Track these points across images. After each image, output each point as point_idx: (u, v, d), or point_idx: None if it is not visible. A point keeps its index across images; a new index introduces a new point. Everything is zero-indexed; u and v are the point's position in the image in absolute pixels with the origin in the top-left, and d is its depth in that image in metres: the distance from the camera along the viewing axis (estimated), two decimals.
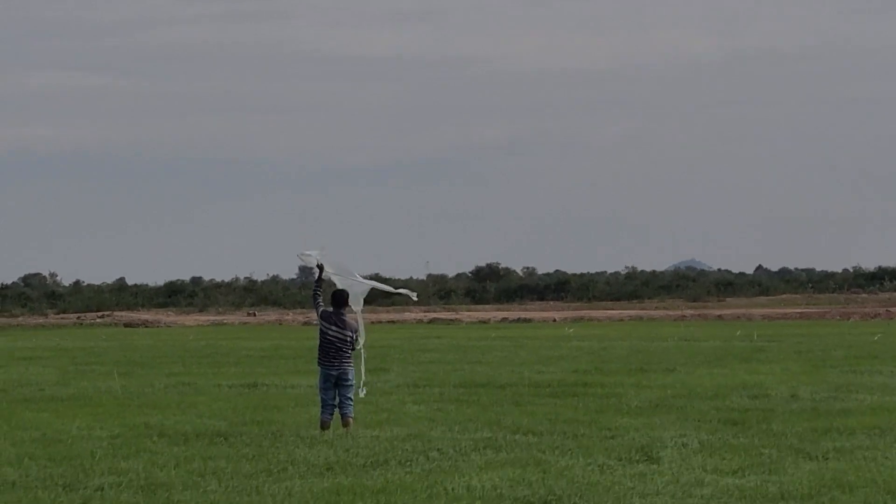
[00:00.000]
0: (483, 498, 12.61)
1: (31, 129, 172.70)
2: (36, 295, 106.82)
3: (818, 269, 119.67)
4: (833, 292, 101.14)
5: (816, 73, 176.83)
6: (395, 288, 19.46)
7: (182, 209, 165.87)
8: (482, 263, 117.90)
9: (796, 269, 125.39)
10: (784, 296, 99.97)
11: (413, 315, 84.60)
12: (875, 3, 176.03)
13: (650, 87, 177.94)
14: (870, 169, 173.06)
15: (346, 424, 17.39)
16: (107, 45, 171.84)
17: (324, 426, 17.44)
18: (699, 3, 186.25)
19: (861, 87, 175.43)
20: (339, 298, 17.51)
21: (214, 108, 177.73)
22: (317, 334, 17.72)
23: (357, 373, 17.68)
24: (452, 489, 13.01)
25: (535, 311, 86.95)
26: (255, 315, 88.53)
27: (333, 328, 17.38)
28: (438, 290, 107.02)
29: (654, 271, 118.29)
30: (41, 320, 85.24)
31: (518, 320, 76.81)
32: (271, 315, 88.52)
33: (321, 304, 17.59)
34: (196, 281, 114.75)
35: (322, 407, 17.52)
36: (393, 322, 77.44)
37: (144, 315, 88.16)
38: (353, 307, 17.80)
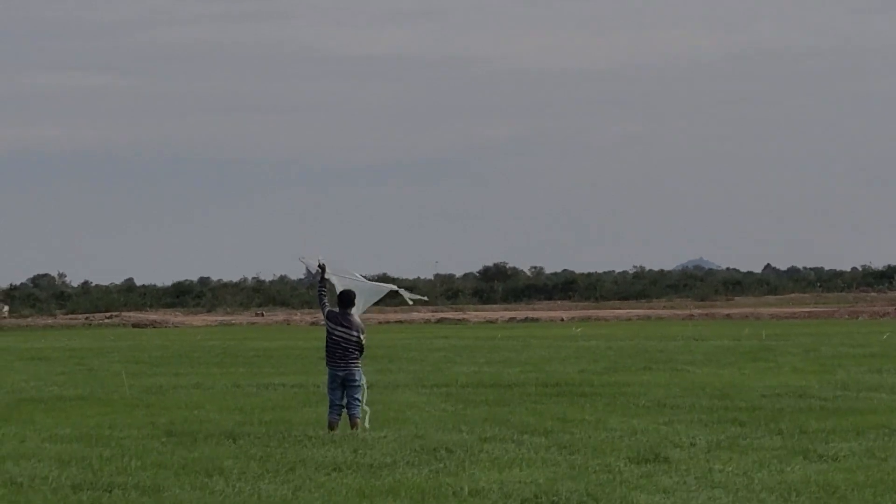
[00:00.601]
0: (491, 498, 12.60)
1: (40, 130, 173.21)
2: (45, 295, 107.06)
3: (827, 267, 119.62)
4: (841, 291, 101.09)
5: (823, 72, 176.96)
6: (399, 287, 19.22)
7: (190, 210, 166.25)
8: (490, 263, 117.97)
9: (805, 268, 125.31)
10: (792, 295, 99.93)
11: (421, 315, 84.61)
12: (878, 3, 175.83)
13: (657, 86, 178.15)
14: (878, 167, 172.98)
15: (353, 425, 17.39)
16: (113, 45, 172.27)
17: (331, 426, 17.44)
18: (700, 3, 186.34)
19: (868, 85, 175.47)
20: (346, 299, 17.50)
21: (221, 109, 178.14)
22: (324, 334, 17.71)
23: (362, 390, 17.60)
24: (460, 489, 13.00)
25: (542, 311, 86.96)
26: (262, 315, 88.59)
27: (339, 328, 17.38)
28: (446, 290, 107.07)
29: (661, 270, 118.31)
30: (50, 321, 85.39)
31: (525, 320, 76.79)
32: (279, 315, 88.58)
33: (327, 304, 17.58)
34: (204, 281, 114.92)
35: (329, 407, 17.51)
36: (401, 322, 77.41)
37: (153, 315, 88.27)
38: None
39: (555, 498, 12.51)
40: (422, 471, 14.19)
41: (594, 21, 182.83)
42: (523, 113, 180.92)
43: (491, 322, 75.18)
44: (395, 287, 18.89)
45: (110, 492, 13.25)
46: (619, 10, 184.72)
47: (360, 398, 17.48)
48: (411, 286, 18.39)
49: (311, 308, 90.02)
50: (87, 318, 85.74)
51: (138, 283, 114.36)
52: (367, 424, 17.55)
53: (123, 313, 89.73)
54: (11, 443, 17.23)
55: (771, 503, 12.33)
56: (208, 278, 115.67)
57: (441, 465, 14.56)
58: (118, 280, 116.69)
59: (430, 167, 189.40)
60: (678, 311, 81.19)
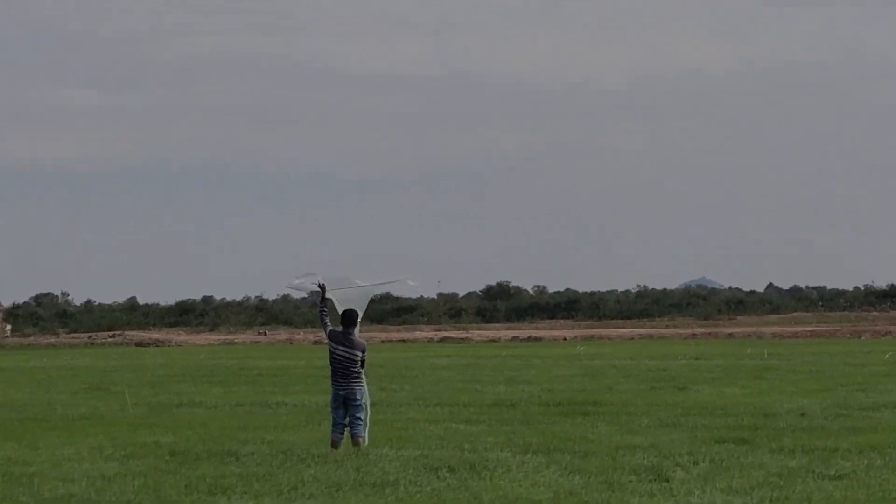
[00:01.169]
0: None
1: (42, 147, 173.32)
2: (48, 314, 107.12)
3: (829, 287, 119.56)
4: (844, 310, 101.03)
5: (828, 87, 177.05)
6: (392, 281, 18.99)
7: (193, 228, 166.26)
8: (493, 282, 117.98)
9: (807, 287, 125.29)
10: (795, 314, 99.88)
11: (424, 334, 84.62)
12: (887, 14, 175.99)
13: (660, 103, 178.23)
14: (882, 186, 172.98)
15: (356, 444, 17.41)
16: (115, 62, 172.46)
17: (334, 445, 17.46)
18: (709, 15, 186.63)
19: (873, 101, 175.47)
20: (349, 319, 17.54)
21: (224, 125, 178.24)
22: (327, 353, 17.75)
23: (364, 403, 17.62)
24: None
25: (545, 330, 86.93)
26: (265, 334, 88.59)
27: (342, 348, 17.41)
28: (449, 309, 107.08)
29: (664, 289, 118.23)
30: (53, 340, 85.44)
31: (528, 339, 76.78)
32: (282, 334, 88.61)
33: (328, 323, 17.62)
34: (207, 300, 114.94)
35: (332, 426, 17.54)
36: (404, 341, 77.39)
37: (155, 334, 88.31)
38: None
39: None
40: (424, 489, 14.21)
41: (604, 34, 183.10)
42: (528, 130, 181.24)
43: (494, 341, 75.18)
44: (392, 280, 18.66)
45: None
46: (629, 22, 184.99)
47: (362, 417, 17.51)
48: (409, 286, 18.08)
49: (313, 327, 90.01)
50: (90, 337, 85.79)
51: (141, 301, 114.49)
52: (366, 438, 17.57)
53: (126, 332, 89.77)
54: (15, 464, 17.26)
55: None
56: (211, 297, 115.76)
57: (444, 484, 14.58)
58: (121, 299, 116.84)
59: (432, 185, 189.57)
60: (681, 330, 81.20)
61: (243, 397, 28.46)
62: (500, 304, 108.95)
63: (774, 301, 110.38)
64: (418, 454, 17.20)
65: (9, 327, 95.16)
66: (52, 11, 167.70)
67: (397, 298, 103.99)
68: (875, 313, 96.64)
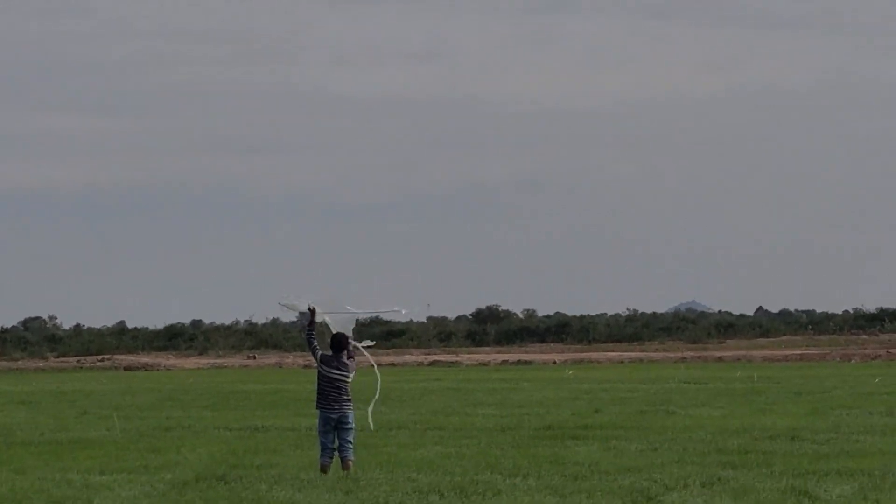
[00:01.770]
0: None
1: (30, 170, 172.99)
2: (36, 338, 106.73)
3: (818, 310, 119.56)
4: (833, 334, 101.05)
5: (815, 112, 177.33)
6: (383, 310, 18.99)
7: (182, 252, 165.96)
8: (482, 306, 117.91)
9: (796, 310, 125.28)
10: (784, 337, 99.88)
11: (413, 358, 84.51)
12: (876, 42, 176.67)
13: (649, 128, 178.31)
14: (870, 209, 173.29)
15: (345, 468, 17.36)
16: (103, 86, 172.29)
17: (323, 469, 17.41)
18: (699, 41, 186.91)
19: (860, 125, 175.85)
20: (338, 343, 17.51)
21: (212, 150, 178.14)
22: (315, 377, 17.70)
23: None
24: None
25: (535, 354, 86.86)
26: (255, 358, 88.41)
27: (334, 372, 17.38)
28: (439, 333, 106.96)
29: (654, 313, 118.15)
30: (41, 364, 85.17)
31: (518, 363, 76.71)
32: (271, 358, 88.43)
33: (318, 347, 17.58)
34: (196, 324, 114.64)
35: (321, 450, 17.48)
36: (393, 365, 77.29)
37: (144, 358, 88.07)
38: (355, 343, 17.79)
39: None
40: None
41: (594, 61, 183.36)
42: (517, 155, 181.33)
43: (484, 364, 75.09)
44: (383, 310, 18.63)
45: None
46: (619, 49, 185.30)
47: (352, 441, 17.47)
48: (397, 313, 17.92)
49: (303, 351, 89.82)
50: (78, 361, 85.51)
51: (130, 325, 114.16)
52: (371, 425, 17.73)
53: (115, 356, 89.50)
54: (3, 487, 17.17)
55: None
56: (200, 321, 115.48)
57: None
58: (110, 323, 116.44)
59: (421, 209, 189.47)
60: (670, 354, 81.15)
61: (232, 421, 28.37)
62: (489, 327, 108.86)
63: (764, 324, 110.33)
64: (408, 478, 17.14)
65: None
66: (39, 35, 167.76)
67: (387, 322, 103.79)
68: (864, 336, 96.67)
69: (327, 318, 17.73)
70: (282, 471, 18.19)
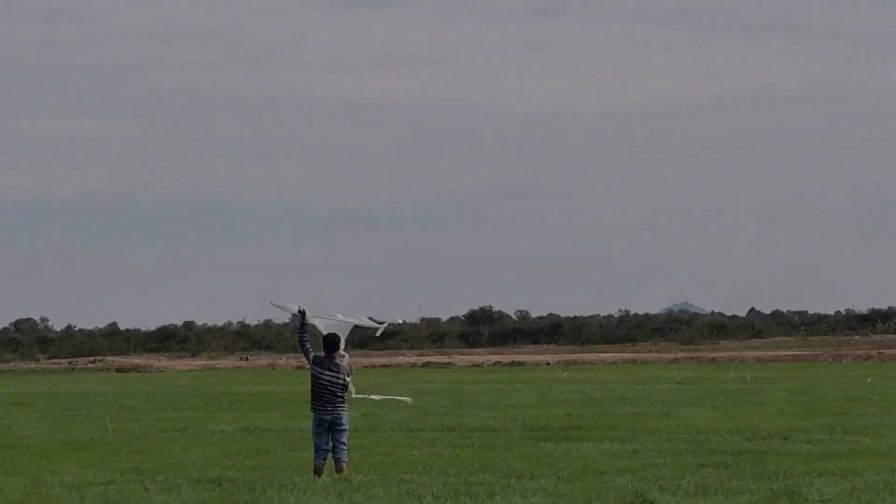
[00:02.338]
0: None
1: (22, 175, 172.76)
2: (27, 340, 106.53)
3: (811, 311, 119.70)
4: (825, 335, 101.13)
5: (807, 115, 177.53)
6: (378, 322, 18.94)
7: (174, 254, 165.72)
8: (475, 307, 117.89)
9: (789, 311, 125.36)
10: (777, 338, 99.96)
11: (406, 359, 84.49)
12: (865, 46, 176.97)
13: (642, 130, 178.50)
14: (861, 211, 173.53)
15: (339, 469, 17.32)
16: (100, 90, 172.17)
17: (317, 471, 17.37)
18: (692, 46, 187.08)
19: (851, 129, 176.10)
20: (331, 343, 17.47)
21: (205, 153, 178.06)
22: (308, 379, 17.66)
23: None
24: None
25: (528, 355, 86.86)
26: (247, 359, 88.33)
27: (327, 373, 17.34)
28: (432, 334, 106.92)
29: (647, 314, 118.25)
30: (32, 365, 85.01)
31: (511, 364, 76.70)
32: (264, 359, 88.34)
33: (310, 349, 17.55)
34: (188, 325, 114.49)
35: (315, 452, 17.45)
36: (386, 366, 77.25)
37: (136, 360, 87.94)
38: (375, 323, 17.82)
39: None
40: None
41: (587, 65, 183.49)
42: (510, 158, 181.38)
43: (477, 366, 75.07)
44: (376, 323, 18.61)
45: None
46: (612, 53, 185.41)
47: (345, 442, 17.44)
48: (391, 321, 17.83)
49: (296, 352, 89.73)
50: (70, 363, 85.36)
51: (122, 327, 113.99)
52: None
53: (107, 358, 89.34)
54: None
55: None
56: (193, 322, 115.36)
57: None
58: (102, 324, 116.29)
59: (424, 210, 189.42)
60: (663, 355, 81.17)
61: (225, 423, 28.32)
62: (483, 328, 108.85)
63: (756, 325, 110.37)
64: (402, 479, 17.11)
65: None
66: (33, 41, 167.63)
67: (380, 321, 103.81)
68: (856, 337, 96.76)
69: (317, 322, 17.71)
70: (275, 472, 18.15)
